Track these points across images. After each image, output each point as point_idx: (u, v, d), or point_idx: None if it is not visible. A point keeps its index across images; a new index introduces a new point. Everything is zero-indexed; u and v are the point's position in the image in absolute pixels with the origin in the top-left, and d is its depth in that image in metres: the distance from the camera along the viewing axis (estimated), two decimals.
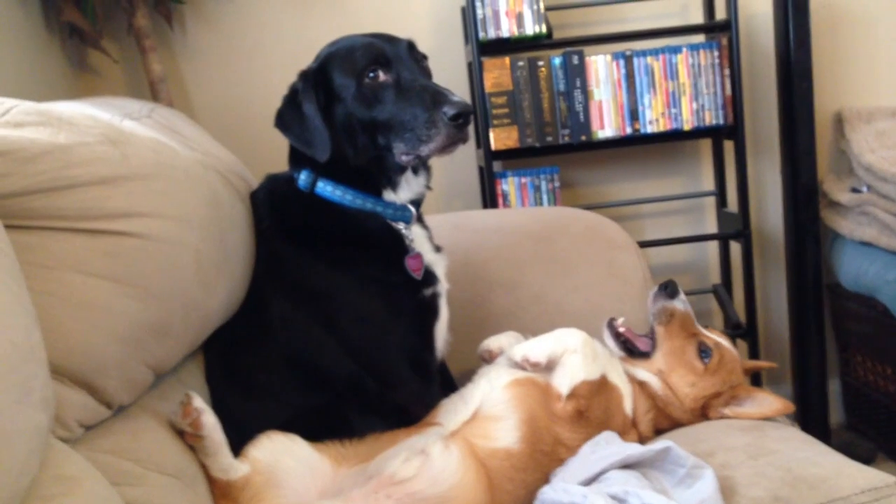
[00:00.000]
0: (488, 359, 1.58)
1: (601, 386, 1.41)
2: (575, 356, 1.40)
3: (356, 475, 1.26)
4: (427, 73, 1.52)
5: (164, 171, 1.24)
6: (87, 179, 1.09)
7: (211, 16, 2.67)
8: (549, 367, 1.42)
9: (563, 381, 1.38)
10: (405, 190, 1.53)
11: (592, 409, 1.38)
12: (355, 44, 1.49)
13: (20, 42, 2.27)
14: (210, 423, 1.18)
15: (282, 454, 1.23)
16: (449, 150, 1.43)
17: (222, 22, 2.68)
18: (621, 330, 1.57)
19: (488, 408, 1.37)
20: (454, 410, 1.41)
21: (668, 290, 1.56)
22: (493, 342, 1.60)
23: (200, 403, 1.18)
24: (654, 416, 1.49)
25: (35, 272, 1.01)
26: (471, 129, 2.65)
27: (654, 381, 1.50)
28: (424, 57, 1.55)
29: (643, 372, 1.52)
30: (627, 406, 1.46)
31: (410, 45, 1.51)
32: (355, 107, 1.46)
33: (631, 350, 1.55)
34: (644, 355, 1.54)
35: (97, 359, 1.06)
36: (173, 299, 1.19)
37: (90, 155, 1.11)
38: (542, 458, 1.32)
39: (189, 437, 1.19)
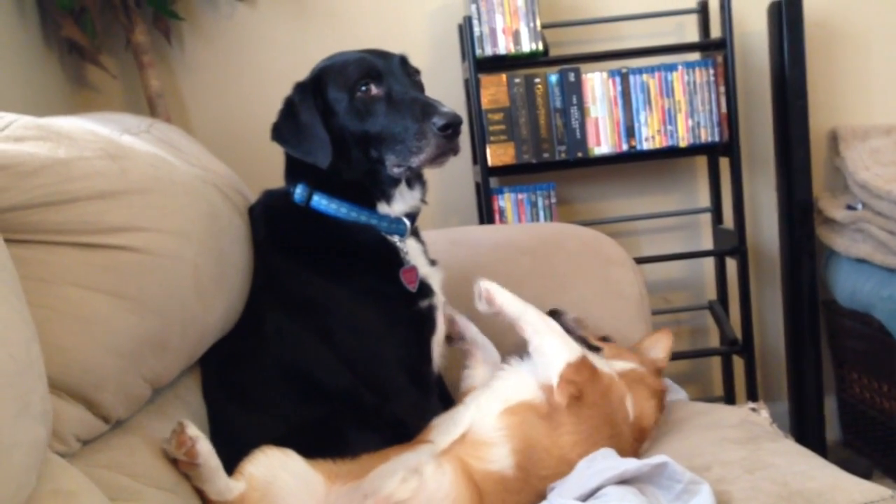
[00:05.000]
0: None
1: (589, 369, 1.39)
2: (549, 338, 1.41)
3: (350, 493, 1.24)
4: (419, 87, 1.54)
5: (162, 186, 1.24)
6: (86, 194, 1.10)
7: (209, 32, 2.68)
8: (495, 313, 1.45)
9: (550, 369, 1.38)
10: (399, 203, 1.54)
11: (588, 394, 1.37)
12: (348, 59, 1.51)
13: (19, 57, 2.27)
14: (205, 450, 1.14)
15: (277, 469, 1.21)
16: (440, 162, 1.44)
17: (220, 38, 2.69)
18: (580, 333, 1.61)
19: (481, 433, 1.33)
20: (445, 430, 1.38)
21: (561, 310, 1.64)
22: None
23: (195, 431, 1.14)
24: (656, 402, 1.51)
25: (34, 286, 1.02)
26: (467, 145, 2.70)
27: (629, 365, 1.55)
28: (417, 71, 1.56)
29: (618, 362, 1.54)
30: (629, 404, 1.45)
31: (403, 60, 1.53)
32: (348, 120, 1.48)
33: (591, 347, 1.57)
34: (599, 350, 1.58)
35: (95, 373, 1.06)
36: (171, 313, 1.19)
37: (89, 169, 1.12)
38: (539, 482, 1.30)
39: (183, 466, 1.15)
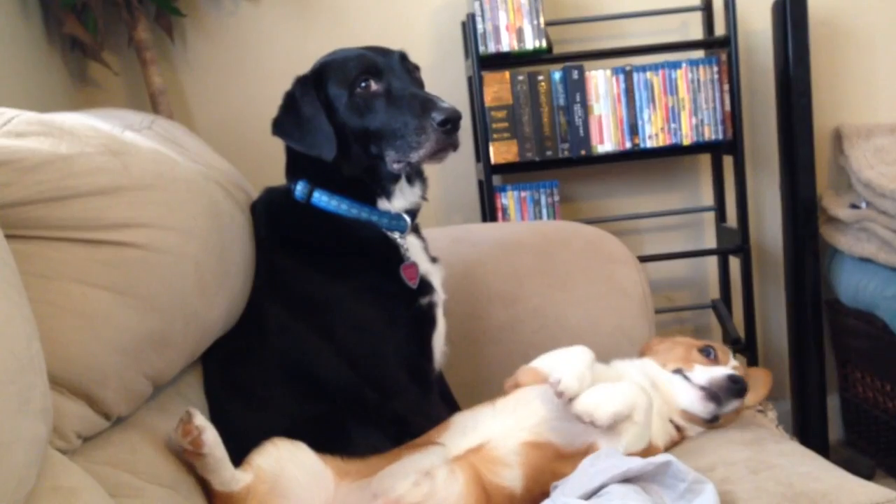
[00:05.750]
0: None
1: (643, 452, 1.33)
2: (634, 428, 1.30)
3: (359, 490, 1.24)
4: (419, 83, 1.54)
5: (164, 182, 1.24)
6: (88, 190, 1.09)
7: (211, 29, 2.68)
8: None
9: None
10: (399, 199, 1.54)
11: None
12: (348, 55, 1.52)
13: (22, 54, 2.27)
14: (211, 440, 1.14)
15: (287, 462, 1.21)
16: (439, 157, 1.44)
17: (223, 35, 2.69)
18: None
19: (499, 451, 1.30)
20: (462, 432, 1.35)
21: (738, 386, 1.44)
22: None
23: (202, 421, 1.14)
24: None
25: (35, 282, 1.01)
26: (470, 142, 2.70)
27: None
28: (416, 67, 1.56)
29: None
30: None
31: (402, 56, 1.53)
32: (348, 116, 1.48)
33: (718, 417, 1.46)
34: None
35: (96, 369, 1.06)
36: (173, 310, 1.19)
37: (91, 165, 1.11)
38: (542, 497, 1.30)
39: (189, 455, 1.15)
